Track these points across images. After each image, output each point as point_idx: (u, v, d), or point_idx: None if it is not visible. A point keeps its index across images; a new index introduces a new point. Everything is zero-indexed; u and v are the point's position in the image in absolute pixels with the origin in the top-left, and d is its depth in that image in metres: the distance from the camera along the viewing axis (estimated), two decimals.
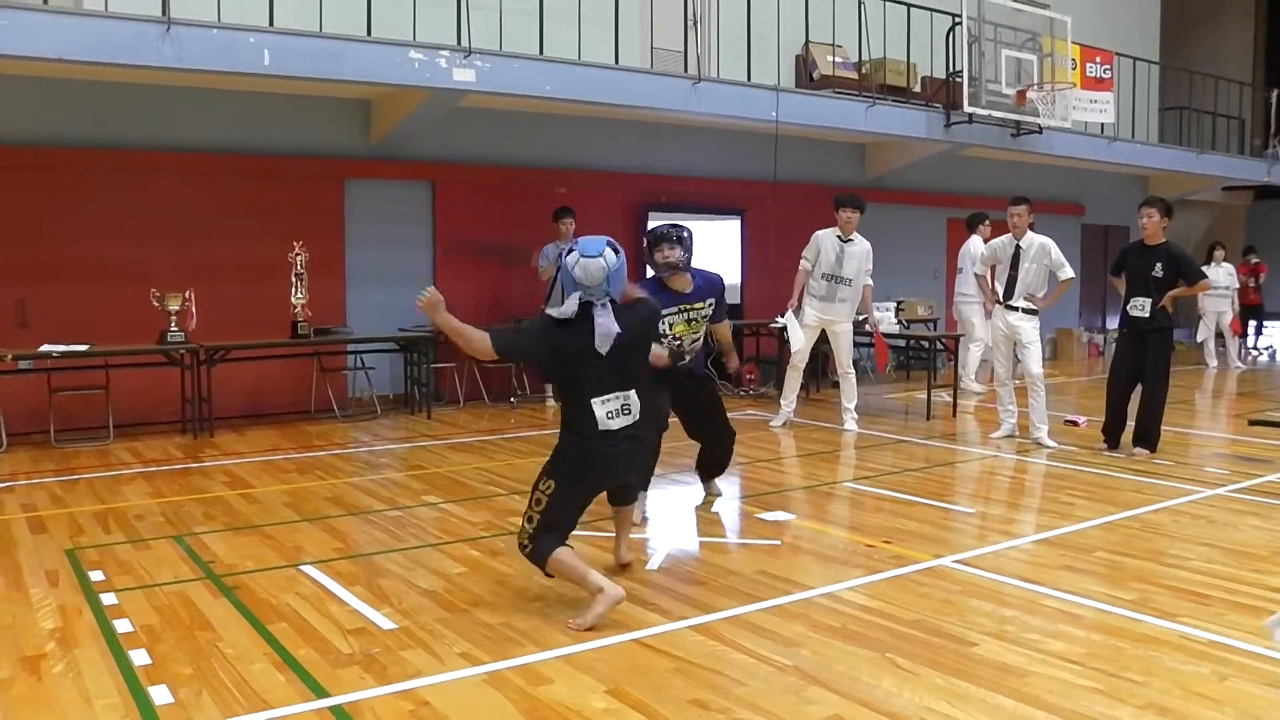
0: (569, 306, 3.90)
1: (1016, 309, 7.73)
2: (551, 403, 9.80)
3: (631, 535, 4.98)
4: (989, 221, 10.78)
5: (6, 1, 6.71)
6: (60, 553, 4.77)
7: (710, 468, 6.04)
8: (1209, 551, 4.86)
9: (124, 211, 8.35)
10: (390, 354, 9.61)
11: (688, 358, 5.45)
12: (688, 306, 5.38)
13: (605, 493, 4.45)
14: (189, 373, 8.01)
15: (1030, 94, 11.93)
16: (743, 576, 4.45)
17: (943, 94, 11.71)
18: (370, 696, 3.19)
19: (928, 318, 12.39)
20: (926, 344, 10.44)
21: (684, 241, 5.28)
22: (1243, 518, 5.54)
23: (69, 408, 7.84)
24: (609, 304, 3.92)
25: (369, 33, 8.27)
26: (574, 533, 5.04)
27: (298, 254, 8.37)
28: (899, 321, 10.59)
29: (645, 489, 5.59)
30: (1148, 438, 7.34)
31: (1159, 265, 7.19)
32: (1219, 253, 14.04)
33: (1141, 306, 7.22)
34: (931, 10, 11.44)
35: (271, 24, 7.86)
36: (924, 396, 9.51)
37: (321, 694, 3.20)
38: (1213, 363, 14.08)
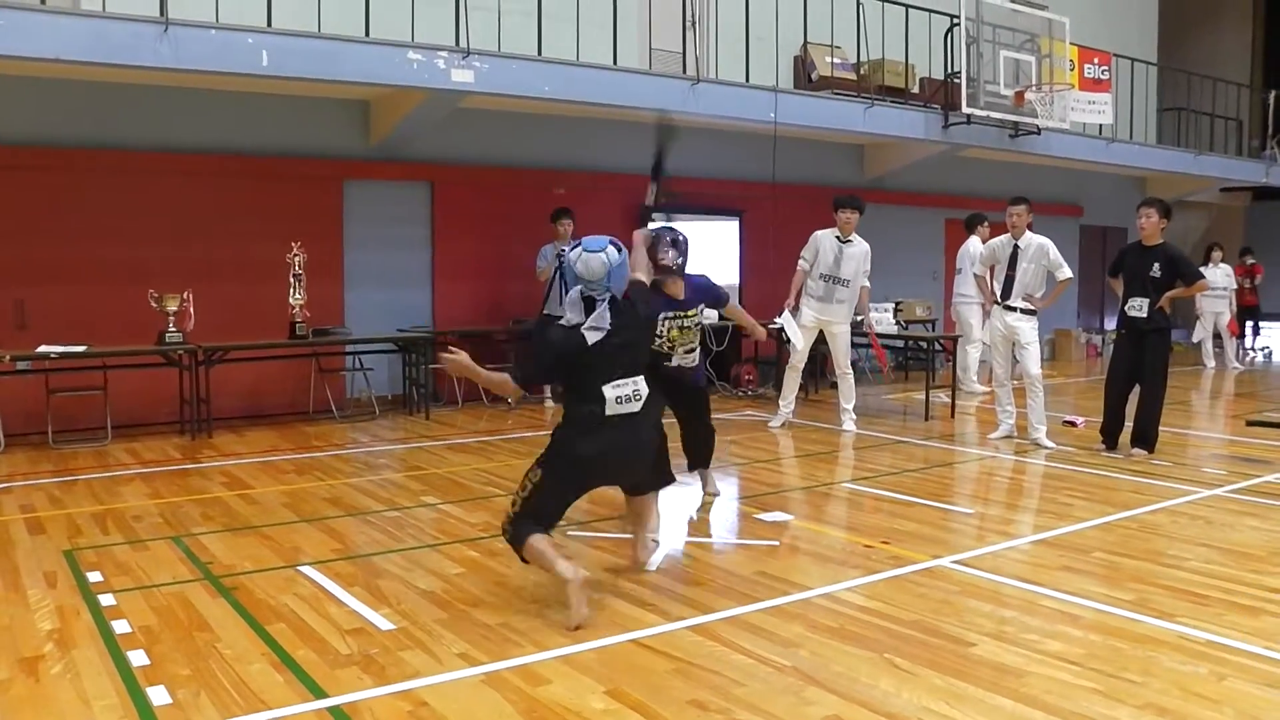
0: (575, 309, 3.99)
1: (1015, 309, 7.73)
2: (550, 403, 9.80)
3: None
4: (988, 222, 10.79)
5: (4, 1, 6.70)
6: (58, 554, 4.76)
7: (696, 451, 5.90)
8: (1207, 552, 4.86)
9: (122, 212, 8.34)
10: (389, 355, 9.60)
11: (676, 360, 5.44)
12: (681, 313, 5.38)
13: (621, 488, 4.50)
14: (187, 373, 8.00)
15: (1028, 95, 11.94)
16: (741, 577, 4.45)
17: (941, 95, 11.72)
18: (369, 697, 3.19)
19: (926, 318, 12.41)
20: (925, 345, 10.44)
21: (679, 245, 5.27)
22: (1240, 518, 5.54)
23: (67, 409, 7.83)
24: (609, 300, 3.99)
25: (367, 33, 8.27)
26: (575, 533, 5.08)
27: (296, 255, 8.37)
28: (898, 322, 10.59)
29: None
30: (1146, 438, 7.35)
31: (1157, 266, 7.19)
32: (1217, 254, 14.07)
33: (1139, 307, 7.23)
34: (930, 11, 11.45)
35: (270, 24, 7.86)
36: (922, 397, 9.51)
37: (320, 694, 3.20)
38: (1210, 363, 14.10)
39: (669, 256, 5.20)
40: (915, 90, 11.92)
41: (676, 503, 5.73)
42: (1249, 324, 15.65)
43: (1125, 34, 15.43)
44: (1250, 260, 15.38)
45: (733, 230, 11.74)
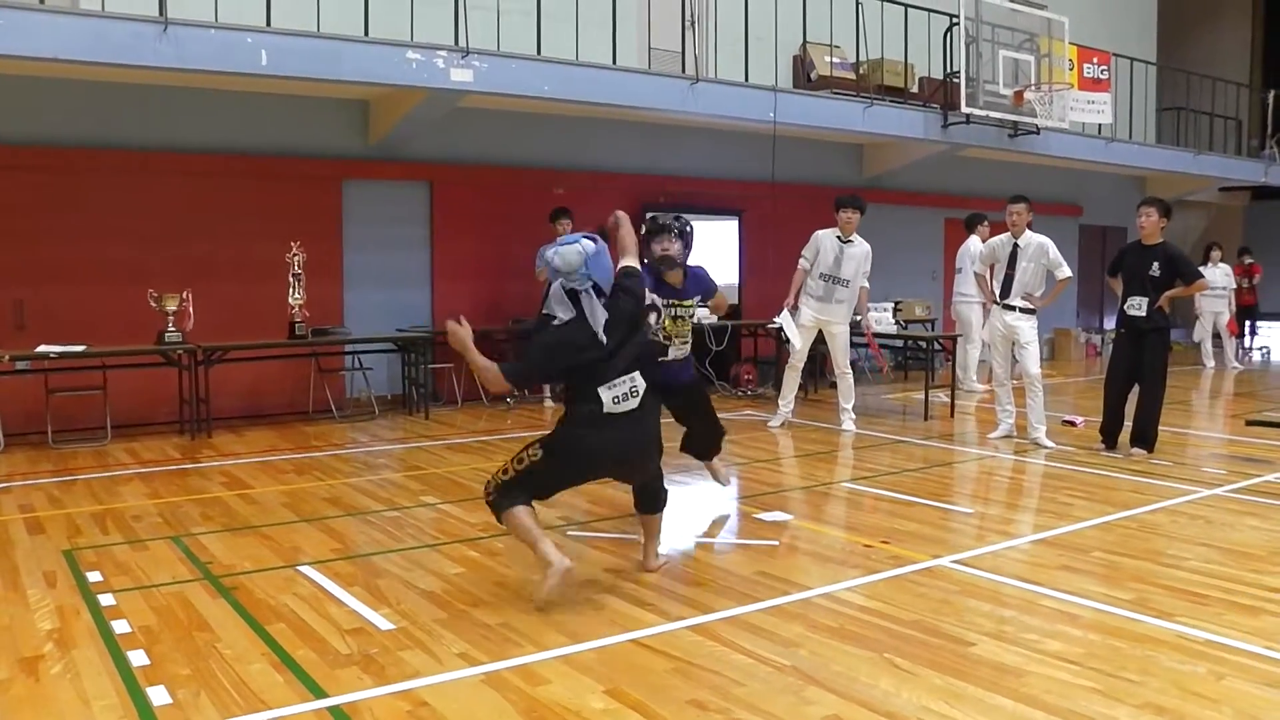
0: (562, 306, 3.98)
1: (1014, 308, 7.73)
2: (549, 403, 9.80)
3: (634, 537, 4.99)
4: (988, 222, 10.79)
5: (4, 1, 6.70)
6: (58, 554, 4.76)
7: (703, 445, 5.77)
8: (1206, 551, 4.86)
9: (121, 212, 8.34)
10: (388, 354, 9.61)
11: (673, 353, 5.32)
12: (677, 303, 5.25)
13: (633, 500, 4.48)
14: (186, 373, 8.01)
15: (1028, 95, 11.95)
16: (741, 577, 4.45)
17: (940, 94, 11.72)
18: (368, 697, 3.19)
19: (925, 318, 12.41)
20: (924, 344, 10.44)
21: (685, 236, 5.14)
22: (1240, 518, 5.54)
23: (66, 408, 7.83)
24: (594, 291, 3.97)
25: (366, 33, 8.27)
26: (574, 533, 5.08)
27: (295, 254, 8.37)
28: (897, 322, 10.59)
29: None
30: (1145, 438, 7.35)
31: (1156, 265, 7.20)
32: (1216, 253, 14.07)
33: (1138, 306, 7.23)
34: (929, 11, 11.45)
35: (269, 24, 7.86)
36: (922, 397, 9.51)
37: (320, 694, 3.20)
38: (1210, 363, 14.10)
39: (674, 248, 5.08)
40: (914, 90, 11.93)
41: (677, 503, 5.71)
42: (1246, 324, 15.66)
43: (1124, 33, 15.43)
44: (1248, 260, 15.39)
45: (732, 230, 11.75)
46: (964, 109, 11.34)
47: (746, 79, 10.49)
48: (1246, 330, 15.71)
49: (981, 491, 6.43)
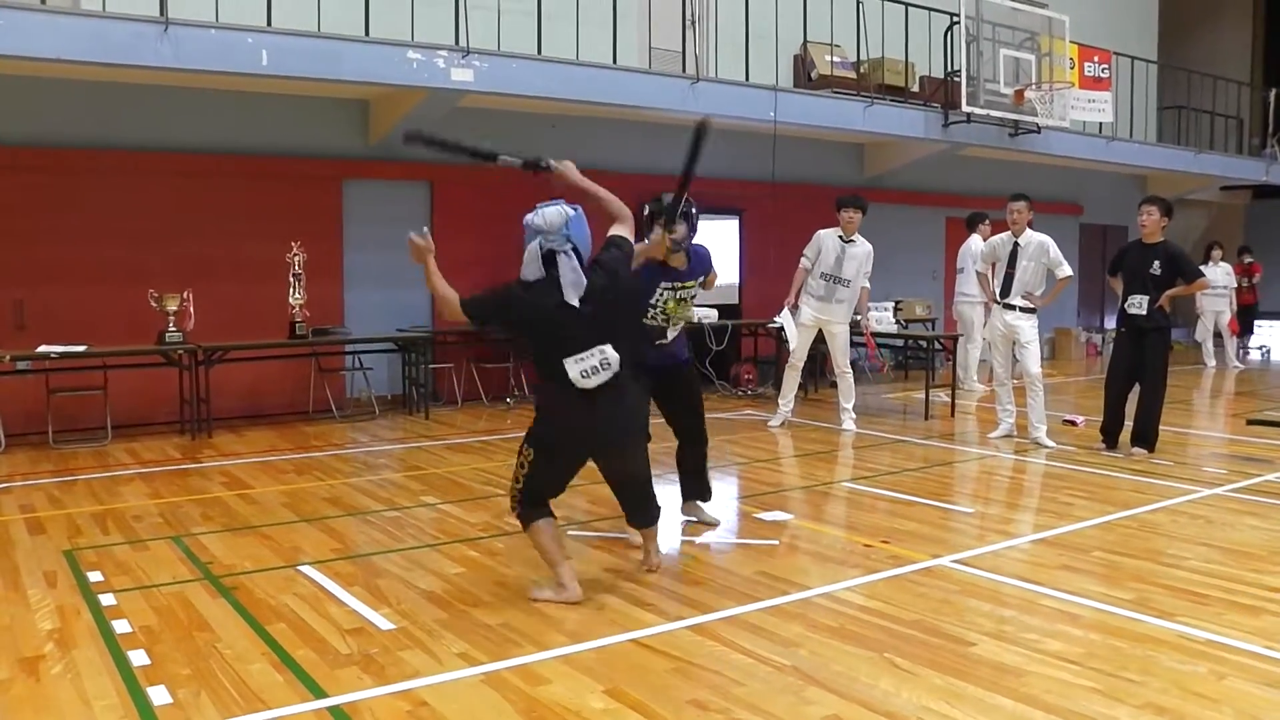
0: (533, 263, 3.89)
1: (1014, 307, 7.73)
2: None
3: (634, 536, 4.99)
4: (989, 221, 10.79)
5: (4, 1, 6.70)
6: (58, 554, 4.76)
7: (692, 478, 5.36)
8: (1207, 551, 4.86)
9: (122, 212, 8.35)
10: (388, 354, 9.61)
11: (670, 335, 5.07)
12: (680, 285, 5.03)
13: (623, 512, 4.42)
14: (187, 373, 8.01)
15: (1028, 93, 11.94)
16: (741, 577, 4.45)
17: (941, 93, 11.72)
18: (368, 697, 3.19)
19: (926, 317, 12.40)
20: (925, 344, 10.44)
21: (689, 218, 4.92)
22: (1241, 517, 5.54)
23: (67, 408, 7.83)
24: (574, 252, 3.88)
25: (367, 33, 8.28)
26: (575, 533, 5.08)
27: (296, 254, 8.37)
28: (897, 321, 10.59)
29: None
30: (1146, 437, 7.34)
31: (1157, 264, 7.19)
32: (1216, 252, 14.07)
33: (1139, 304, 7.22)
34: (930, 10, 11.44)
35: (269, 24, 7.87)
36: (922, 396, 9.51)
37: (320, 694, 3.20)
38: (1211, 362, 14.09)
39: (678, 232, 4.84)
40: (915, 89, 11.92)
41: (676, 503, 5.72)
42: (1253, 324, 15.67)
43: (1125, 32, 15.42)
44: (1248, 259, 15.39)
45: (732, 229, 11.74)
46: (965, 108, 11.34)
47: (747, 78, 10.49)
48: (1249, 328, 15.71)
49: (982, 491, 6.43)
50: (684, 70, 10.22)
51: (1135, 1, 16.54)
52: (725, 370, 10.79)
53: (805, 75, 11.55)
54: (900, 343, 11.14)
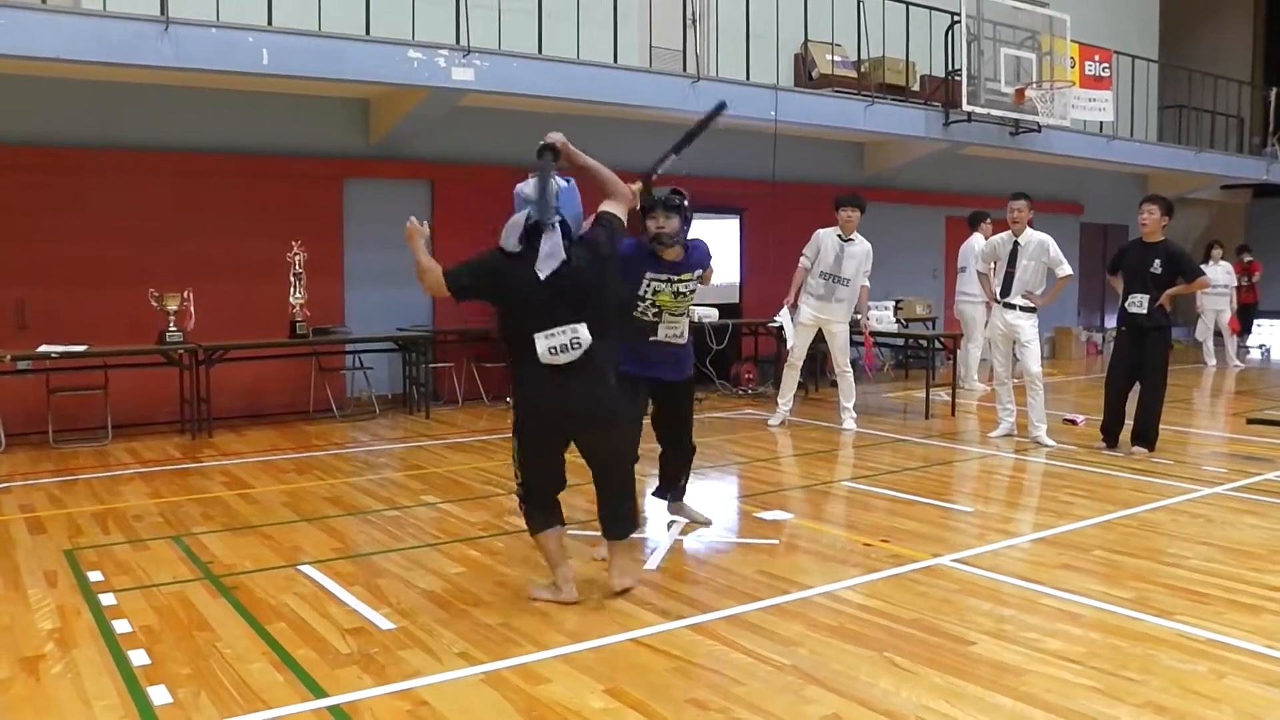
0: (512, 232, 3.80)
1: (1014, 307, 7.73)
2: None
3: (634, 536, 4.98)
4: (991, 220, 10.79)
5: (5, 1, 6.70)
6: (59, 553, 4.76)
7: (672, 481, 5.26)
8: (1207, 550, 4.86)
9: (122, 211, 8.34)
10: (389, 354, 9.61)
11: (663, 332, 4.79)
12: (675, 277, 4.75)
13: (599, 518, 4.22)
14: (187, 373, 8.01)
15: (1029, 92, 11.93)
16: (741, 576, 4.45)
17: (941, 93, 11.71)
18: (369, 696, 3.19)
19: (926, 317, 12.40)
20: (925, 343, 10.44)
21: (682, 211, 4.66)
22: (1241, 516, 5.54)
23: (67, 408, 7.83)
24: (558, 225, 3.79)
25: (368, 32, 8.28)
26: (575, 533, 5.07)
27: (296, 254, 8.37)
28: (898, 320, 10.59)
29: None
30: (1146, 436, 7.34)
31: (1157, 262, 7.19)
32: (1217, 251, 14.06)
33: (1140, 303, 7.22)
34: (930, 9, 11.44)
35: (270, 23, 7.87)
36: (923, 395, 9.51)
37: (320, 694, 3.21)
38: (1211, 361, 14.09)
39: (670, 226, 4.63)
40: (916, 88, 11.91)
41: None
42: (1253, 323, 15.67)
43: (1126, 31, 15.42)
44: (1247, 258, 15.39)
45: (733, 229, 11.74)
46: (965, 107, 11.33)
47: (748, 77, 10.48)
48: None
49: (982, 490, 6.43)
50: (684, 69, 10.21)
51: (1136, 0, 16.53)
52: (725, 369, 10.79)
53: (806, 74, 11.55)
54: (901, 342, 11.14)
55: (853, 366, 8.77)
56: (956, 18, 11.44)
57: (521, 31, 9.04)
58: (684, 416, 5.16)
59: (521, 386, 3.96)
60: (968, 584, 4.34)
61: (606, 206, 4.08)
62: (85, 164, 8.21)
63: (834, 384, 9.22)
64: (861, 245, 8.31)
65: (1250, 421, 8.81)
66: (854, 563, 4.64)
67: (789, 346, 8.52)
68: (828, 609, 4.01)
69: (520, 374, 3.94)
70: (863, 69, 11.35)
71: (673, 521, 5.34)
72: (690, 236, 4.84)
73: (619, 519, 4.18)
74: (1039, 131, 12.29)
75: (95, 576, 4.40)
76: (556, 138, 3.98)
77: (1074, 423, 8.66)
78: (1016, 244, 7.71)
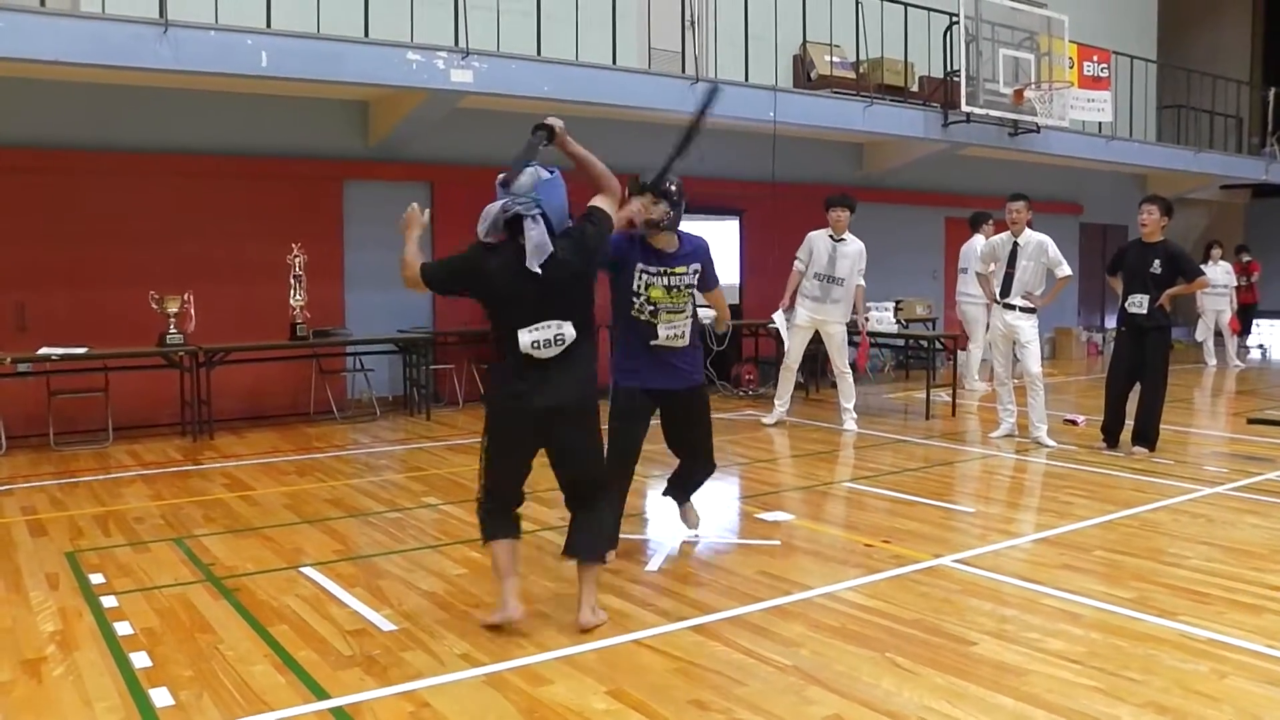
0: (485, 221, 3.70)
1: (1014, 307, 7.73)
2: None
3: (634, 536, 4.98)
4: (992, 220, 10.79)
5: (4, 3, 6.71)
6: (60, 555, 4.76)
7: (683, 486, 5.03)
8: (1208, 550, 4.86)
9: (122, 214, 8.35)
10: (389, 355, 9.61)
11: (662, 333, 4.48)
12: (668, 269, 4.46)
13: (566, 535, 3.93)
14: (188, 375, 8.01)
15: (1028, 93, 11.94)
16: (742, 577, 4.45)
17: (940, 93, 11.72)
18: (371, 698, 3.19)
19: (926, 317, 12.40)
20: (925, 344, 10.44)
21: (671, 196, 4.41)
22: (1242, 516, 5.54)
23: (68, 410, 7.83)
24: (541, 217, 3.65)
25: (366, 34, 8.27)
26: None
27: (296, 256, 8.37)
28: (898, 321, 10.59)
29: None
30: (1147, 436, 7.34)
31: (1157, 263, 7.19)
32: (1216, 251, 14.07)
33: (1139, 303, 7.22)
34: (929, 10, 11.44)
35: (269, 26, 7.86)
36: (923, 396, 9.51)
37: (322, 695, 3.21)
38: (1211, 361, 14.09)
39: (657, 211, 4.38)
40: (914, 89, 11.92)
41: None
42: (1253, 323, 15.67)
43: (1125, 31, 15.42)
44: (1246, 258, 15.39)
45: (732, 230, 11.75)
46: (964, 108, 11.33)
47: (746, 79, 10.48)
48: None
49: (983, 491, 6.43)
50: (683, 71, 10.22)
51: (1134, 1, 16.54)
52: (726, 370, 10.80)
53: (805, 75, 11.55)
54: (901, 342, 11.14)
55: (854, 366, 8.77)
56: (955, 18, 11.44)
57: (520, 33, 9.04)
58: (698, 430, 4.79)
59: (497, 374, 3.82)
60: (969, 584, 4.34)
61: (597, 201, 3.99)
62: (85, 166, 8.21)
63: (834, 385, 9.22)
64: (854, 245, 8.31)
65: (1251, 421, 8.81)
66: (855, 563, 4.64)
67: (786, 349, 8.52)
68: (829, 610, 4.01)
69: (497, 364, 3.80)
70: (861, 70, 11.36)
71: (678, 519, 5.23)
72: (687, 232, 4.69)
73: (587, 537, 3.85)
74: (1038, 132, 12.30)
75: (97, 579, 4.40)
76: (555, 121, 3.91)
77: (1074, 423, 8.66)
78: (1015, 245, 7.72)
